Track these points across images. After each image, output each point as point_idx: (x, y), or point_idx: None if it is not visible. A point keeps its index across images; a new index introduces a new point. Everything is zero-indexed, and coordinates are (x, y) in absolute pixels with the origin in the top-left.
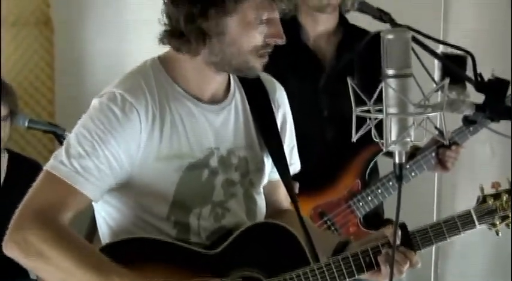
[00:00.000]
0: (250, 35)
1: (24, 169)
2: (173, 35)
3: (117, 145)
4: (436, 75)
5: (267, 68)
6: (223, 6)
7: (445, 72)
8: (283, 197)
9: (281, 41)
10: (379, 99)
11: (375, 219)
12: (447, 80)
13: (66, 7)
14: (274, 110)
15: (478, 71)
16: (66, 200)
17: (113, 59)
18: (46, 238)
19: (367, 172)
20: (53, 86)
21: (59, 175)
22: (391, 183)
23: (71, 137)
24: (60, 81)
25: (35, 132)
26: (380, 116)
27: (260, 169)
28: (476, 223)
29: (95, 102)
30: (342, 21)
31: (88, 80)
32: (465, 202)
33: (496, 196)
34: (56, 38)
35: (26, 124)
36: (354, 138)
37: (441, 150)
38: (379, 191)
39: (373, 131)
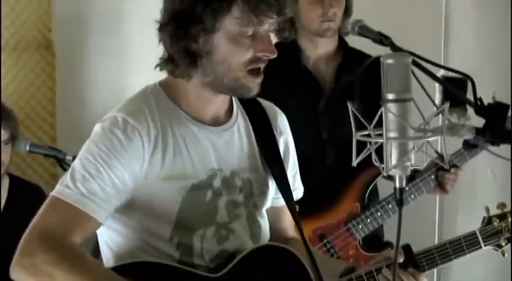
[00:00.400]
0: (237, 51)
1: (26, 193)
2: (166, 60)
3: (121, 166)
4: (437, 98)
5: (267, 91)
6: (204, 25)
7: (445, 96)
8: (288, 225)
9: (271, 55)
10: (380, 123)
11: (374, 242)
12: (447, 105)
13: (67, 31)
14: (277, 136)
15: (479, 94)
16: (72, 222)
17: (115, 83)
18: (53, 260)
19: (367, 195)
20: (54, 110)
21: (64, 198)
22: (390, 206)
23: (75, 162)
24: (62, 105)
25: (36, 157)
26: (380, 141)
27: (264, 192)
28: (482, 244)
29: (97, 127)
30: (342, 44)
31: (89, 104)
32: (467, 225)
33: (502, 216)
34: (57, 62)
35: (27, 148)
36: (354, 163)
37: (440, 173)
38: (379, 213)
39: (374, 156)
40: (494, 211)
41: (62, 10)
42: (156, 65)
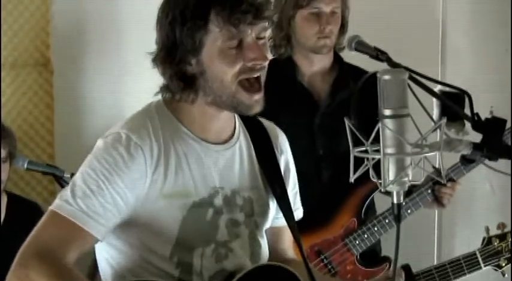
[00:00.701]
0: (225, 64)
1: (24, 211)
2: (165, 87)
3: (122, 183)
4: (435, 113)
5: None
6: (185, 46)
7: (443, 110)
8: (287, 246)
9: (263, 62)
10: (377, 139)
11: (372, 256)
12: (444, 120)
13: (65, 48)
14: (277, 155)
15: (476, 110)
16: (70, 238)
17: (113, 100)
18: (48, 274)
19: (364, 210)
20: (52, 127)
21: (64, 213)
22: (387, 220)
23: (77, 177)
24: (60, 122)
25: (35, 174)
26: (378, 157)
27: (265, 211)
28: (482, 264)
29: (99, 142)
30: (337, 59)
31: (87, 122)
32: (465, 239)
33: (502, 237)
34: (55, 79)
35: (25, 166)
36: (352, 179)
37: (437, 187)
38: (376, 228)
39: (371, 172)
40: (494, 231)
41: (60, 28)
42: (156, 93)
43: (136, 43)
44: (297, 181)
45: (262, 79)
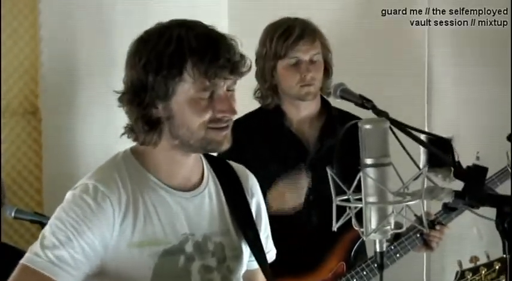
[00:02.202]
0: (195, 113)
1: (11, 259)
2: (130, 128)
3: (91, 233)
4: (422, 159)
5: (252, 155)
6: (156, 92)
7: (430, 157)
8: None
9: (231, 115)
10: (359, 187)
11: None
12: (425, 168)
13: (54, 96)
14: (248, 198)
15: (462, 153)
16: None
17: (101, 148)
18: None
19: (353, 253)
20: (40, 175)
21: (33, 266)
22: (376, 264)
23: (45, 229)
24: (48, 170)
25: (23, 222)
26: (359, 205)
27: (237, 255)
28: None
29: (68, 195)
30: (325, 105)
31: (76, 169)
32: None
33: (475, 270)
34: (44, 127)
35: (13, 215)
36: (335, 228)
37: (426, 231)
38: (364, 272)
39: (353, 220)
40: (466, 265)
41: (50, 76)
42: (122, 134)
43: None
44: (268, 222)
45: (229, 130)
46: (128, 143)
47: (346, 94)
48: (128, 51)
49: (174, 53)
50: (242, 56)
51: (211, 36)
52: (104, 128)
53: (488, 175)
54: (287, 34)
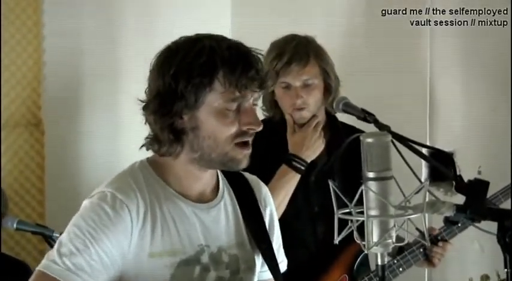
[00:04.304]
0: (222, 125)
1: (12, 271)
2: (152, 139)
3: (108, 242)
4: (424, 173)
5: (258, 167)
6: (186, 101)
7: (432, 170)
8: None
9: (257, 128)
10: (361, 200)
11: None
12: (427, 182)
13: (56, 108)
14: (261, 209)
15: (464, 168)
16: None
17: (104, 160)
18: None
19: (356, 266)
20: (43, 187)
21: (50, 273)
22: (378, 278)
23: (63, 236)
24: (51, 182)
25: (25, 233)
26: (361, 219)
27: (251, 267)
28: None
29: (85, 202)
30: (330, 119)
31: (79, 182)
32: None
33: None
34: (46, 139)
35: (15, 226)
36: (336, 241)
37: (428, 246)
38: None
39: (355, 234)
40: None
41: (52, 88)
42: (142, 145)
43: (131, 103)
44: (280, 233)
45: (251, 148)
46: (130, 155)
47: (348, 108)
48: (154, 62)
49: (206, 62)
50: (267, 72)
51: (242, 49)
52: (108, 140)
53: (490, 189)
54: (277, 59)
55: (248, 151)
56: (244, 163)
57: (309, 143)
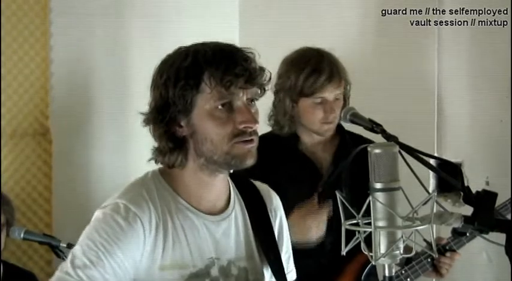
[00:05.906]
0: (216, 126)
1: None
2: (157, 151)
3: (122, 254)
4: (431, 184)
5: (268, 177)
6: (177, 106)
7: (439, 181)
8: None
9: (253, 125)
10: (369, 211)
11: None
12: (435, 193)
13: (64, 118)
14: (272, 219)
15: (472, 179)
16: None
17: (112, 170)
18: None
19: (363, 276)
20: (50, 196)
21: None
22: None
23: (76, 248)
24: (58, 192)
25: (32, 243)
26: (369, 230)
27: (259, 280)
28: None
29: (98, 213)
30: (339, 129)
31: (86, 191)
32: None
33: None
34: (54, 149)
35: (22, 236)
36: (344, 252)
37: (436, 256)
38: None
39: (363, 245)
40: None
41: (60, 98)
42: (150, 159)
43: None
44: (290, 242)
45: (255, 144)
46: (138, 165)
47: (356, 118)
48: (153, 73)
49: (191, 64)
50: (261, 68)
51: (227, 48)
52: (116, 150)
53: (498, 200)
54: (316, 75)
55: (251, 145)
56: (250, 159)
57: None
